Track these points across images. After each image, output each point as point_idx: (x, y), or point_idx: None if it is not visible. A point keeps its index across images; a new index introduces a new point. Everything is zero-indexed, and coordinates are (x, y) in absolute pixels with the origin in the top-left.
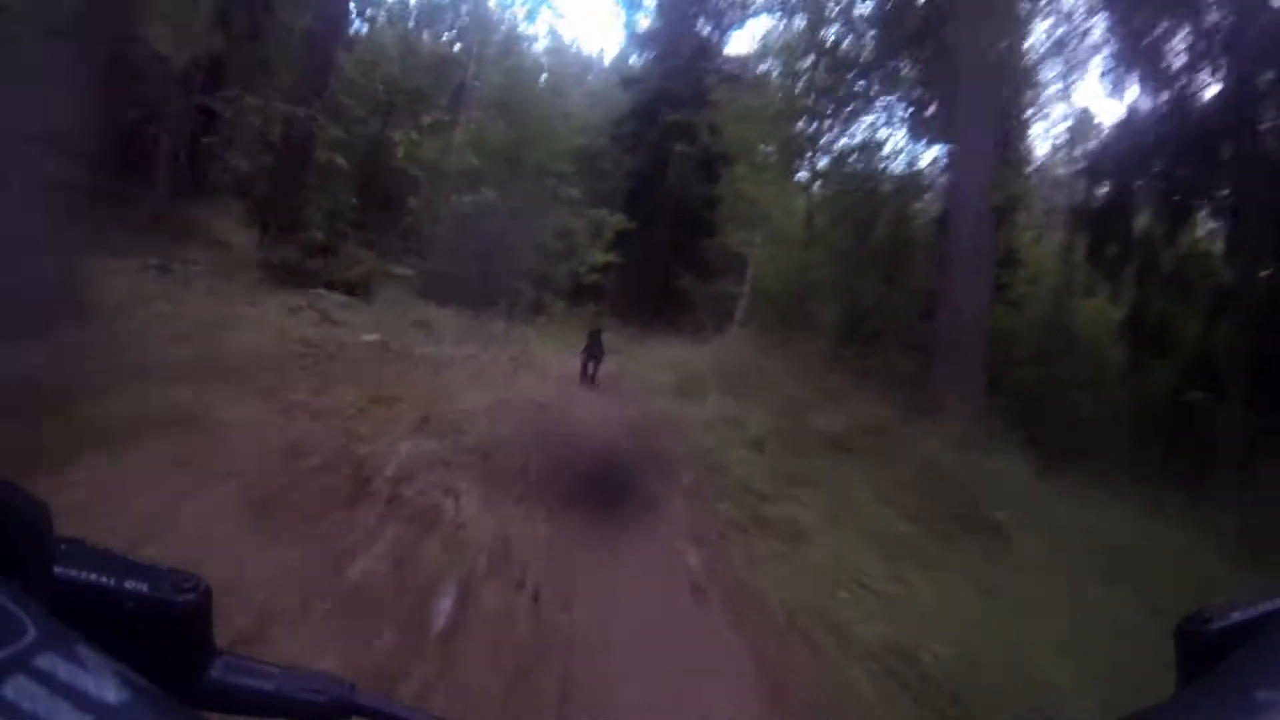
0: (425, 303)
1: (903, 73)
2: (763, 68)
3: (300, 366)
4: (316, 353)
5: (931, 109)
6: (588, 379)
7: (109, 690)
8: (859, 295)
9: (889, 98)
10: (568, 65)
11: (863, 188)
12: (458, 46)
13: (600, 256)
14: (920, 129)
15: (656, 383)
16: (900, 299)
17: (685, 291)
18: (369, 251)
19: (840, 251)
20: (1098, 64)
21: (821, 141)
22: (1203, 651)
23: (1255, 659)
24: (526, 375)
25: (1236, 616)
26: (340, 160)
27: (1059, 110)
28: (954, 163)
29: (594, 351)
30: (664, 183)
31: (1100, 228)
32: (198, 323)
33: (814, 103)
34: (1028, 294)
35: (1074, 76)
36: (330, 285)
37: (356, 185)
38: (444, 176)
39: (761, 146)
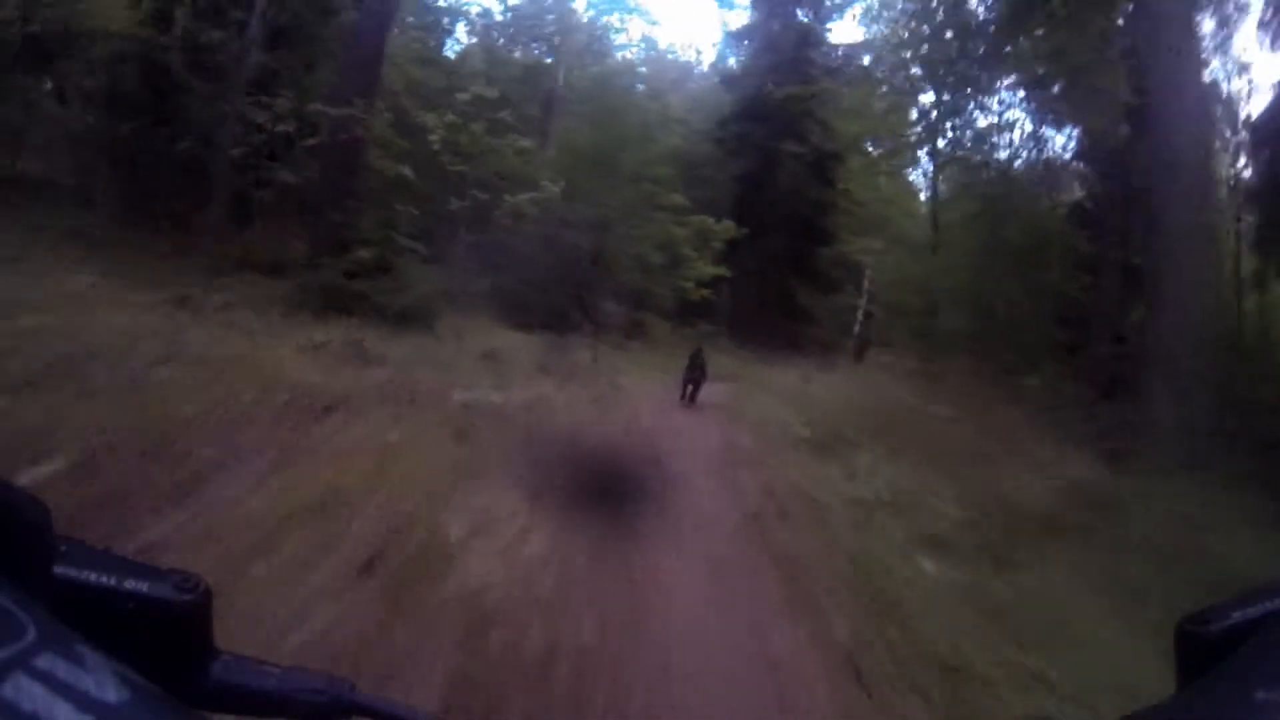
0: (501, 327)
1: (1030, 41)
2: (868, 57)
3: (266, 428)
4: (305, 408)
5: (1058, 87)
6: (687, 400)
7: (109, 690)
8: (1003, 305)
9: (1010, 76)
10: (665, 71)
11: (991, 179)
12: (549, 59)
13: (708, 269)
14: (1047, 109)
15: (783, 427)
16: (1049, 306)
17: (805, 307)
18: (433, 269)
19: (974, 255)
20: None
21: (942, 128)
22: (1203, 651)
23: (1255, 659)
24: (610, 422)
25: (1236, 616)
26: (404, 170)
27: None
28: (1156, 124)
29: (695, 375)
30: (774, 187)
31: (1271, 205)
32: (167, 369)
33: (932, 76)
34: None
35: (1226, 29)
36: (381, 311)
37: (419, 195)
38: (518, 184)
39: (871, 147)
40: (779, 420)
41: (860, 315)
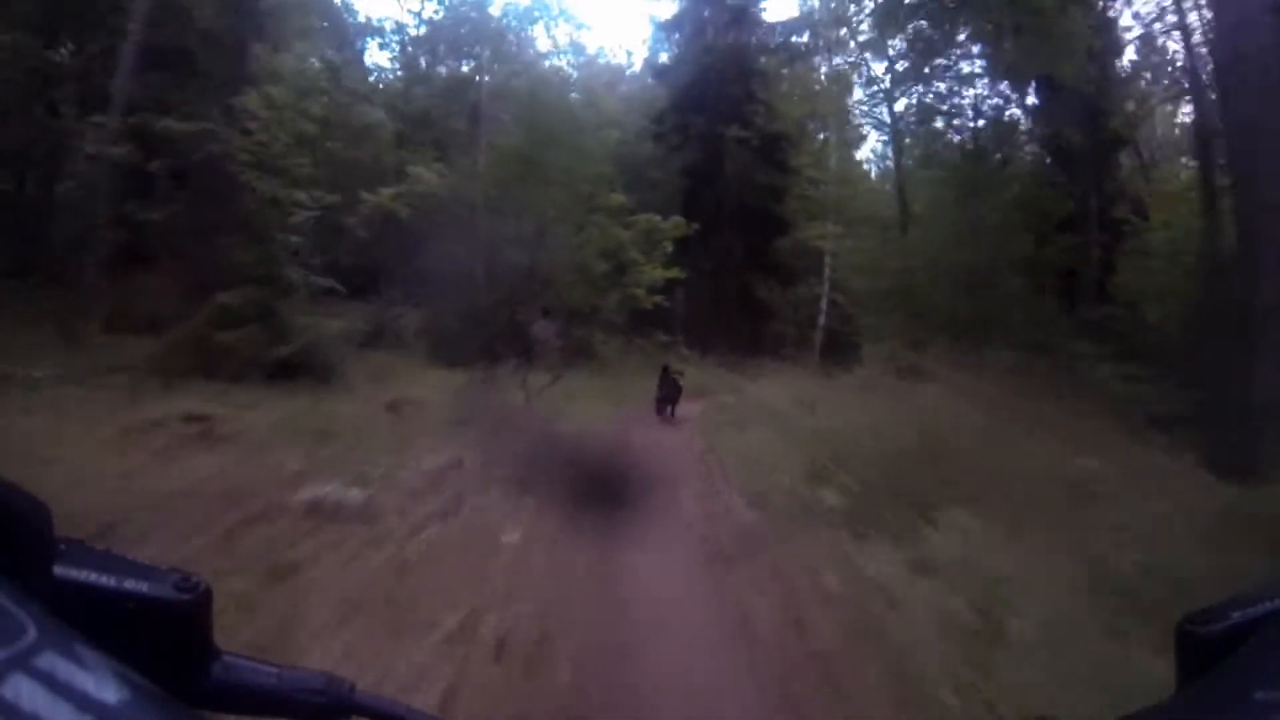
0: (427, 367)
1: None
2: (807, 33)
3: None
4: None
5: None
6: (666, 417)
7: (109, 690)
8: (993, 278)
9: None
10: (597, 75)
11: (959, 141)
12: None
13: (659, 273)
14: (1009, 62)
15: (792, 479)
16: (1038, 273)
17: (766, 302)
18: (357, 305)
19: (953, 226)
20: None
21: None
22: (1203, 651)
23: (1255, 659)
24: (536, 506)
25: (1236, 616)
26: (292, 191)
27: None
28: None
29: (668, 394)
30: (722, 177)
31: None
32: None
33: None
34: (1165, 250)
35: None
36: (255, 366)
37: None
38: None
39: (819, 127)
40: (782, 466)
41: (824, 306)
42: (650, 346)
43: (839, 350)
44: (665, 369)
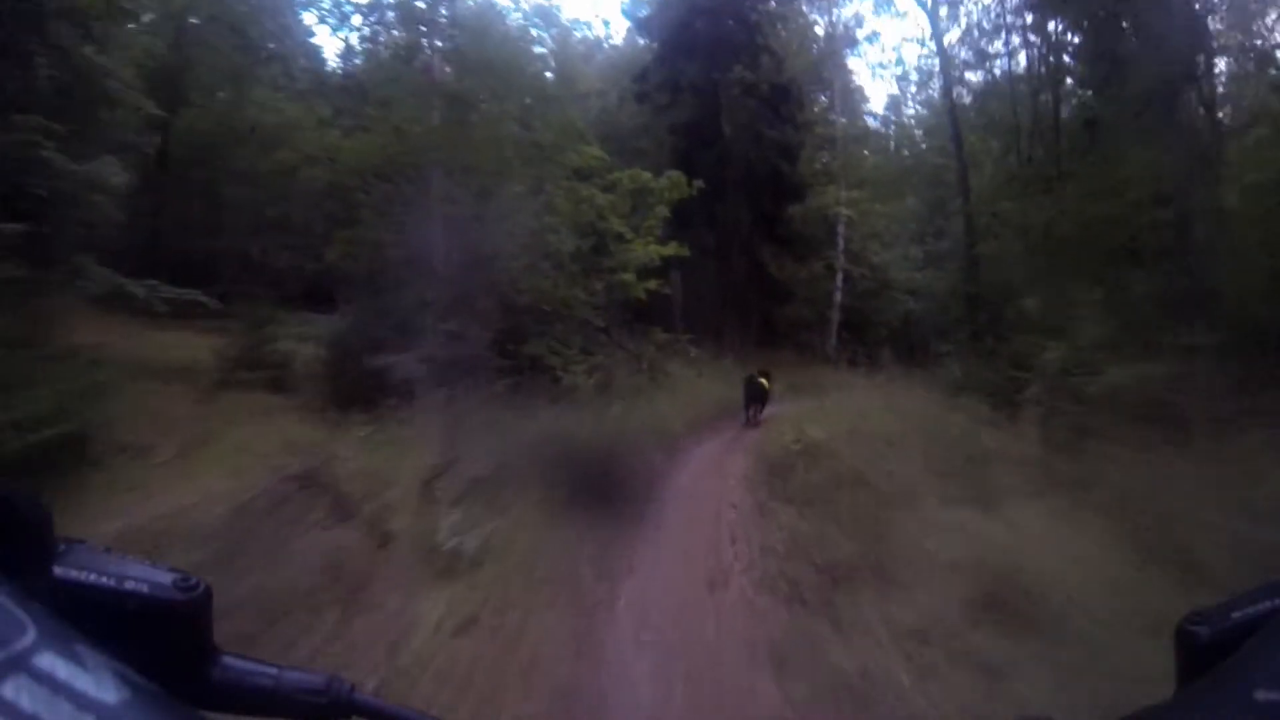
0: (300, 420)
1: None
2: None
3: None
4: None
5: None
6: (751, 422)
7: (109, 690)
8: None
9: None
10: (572, 49)
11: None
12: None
13: (654, 249)
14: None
15: None
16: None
17: (781, 283)
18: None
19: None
20: None
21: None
22: (1203, 651)
23: (1255, 659)
24: None
25: (1235, 617)
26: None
27: None
28: None
29: (752, 399)
30: (722, 136)
31: None
32: None
33: None
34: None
35: None
36: None
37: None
38: None
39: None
40: None
41: (839, 282)
42: (650, 351)
43: (855, 333)
44: (750, 378)
